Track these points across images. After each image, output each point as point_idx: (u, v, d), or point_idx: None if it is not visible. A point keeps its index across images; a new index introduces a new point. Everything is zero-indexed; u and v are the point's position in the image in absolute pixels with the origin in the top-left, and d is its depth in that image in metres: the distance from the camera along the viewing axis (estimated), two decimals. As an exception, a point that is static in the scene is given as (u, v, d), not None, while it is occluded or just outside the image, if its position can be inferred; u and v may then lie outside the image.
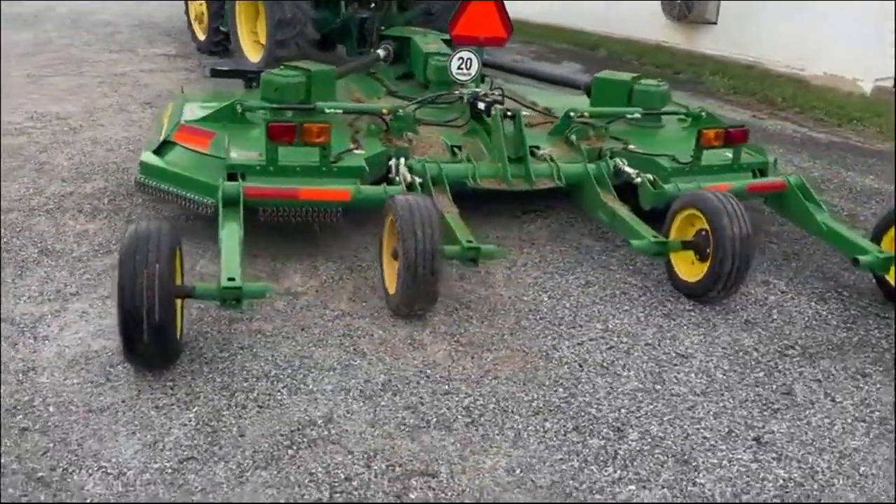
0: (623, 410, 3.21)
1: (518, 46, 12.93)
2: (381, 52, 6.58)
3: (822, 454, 3.03)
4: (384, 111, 4.95)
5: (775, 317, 4.14)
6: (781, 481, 2.85)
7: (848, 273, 4.68)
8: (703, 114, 5.60)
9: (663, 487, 2.77)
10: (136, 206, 4.96)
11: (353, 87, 6.26)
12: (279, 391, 3.17)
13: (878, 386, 3.55)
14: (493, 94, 5.41)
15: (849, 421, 3.26)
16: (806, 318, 4.15)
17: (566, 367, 3.51)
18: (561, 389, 3.33)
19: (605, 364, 3.55)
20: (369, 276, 4.21)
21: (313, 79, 5.06)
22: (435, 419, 3.07)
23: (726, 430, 3.13)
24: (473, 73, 5.42)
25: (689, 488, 2.78)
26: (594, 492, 2.73)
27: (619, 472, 2.84)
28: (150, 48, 10.42)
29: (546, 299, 4.12)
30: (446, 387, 3.29)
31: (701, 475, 2.85)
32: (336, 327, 3.69)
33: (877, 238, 4.45)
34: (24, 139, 6.25)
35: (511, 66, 7.32)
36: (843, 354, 3.81)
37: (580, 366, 3.53)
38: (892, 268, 4.29)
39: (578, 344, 3.71)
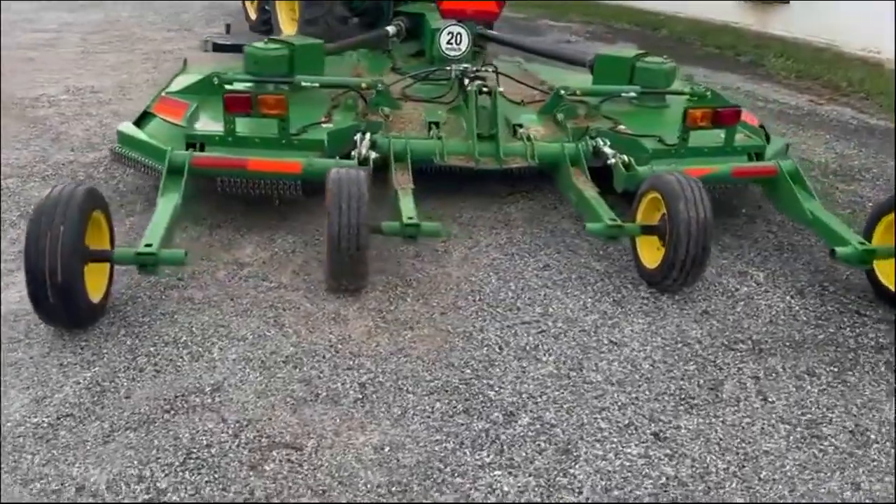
0: (524, 395, 3.09)
1: (577, 26, 12.64)
2: (390, 29, 6.53)
3: (725, 454, 2.82)
4: (363, 86, 4.92)
5: (738, 309, 3.89)
6: (664, 480, 2.67)
7: (843, 268, 4.33)
8: (707, 93, 5.30)
9: (530, 475, 2.65)
10: (127, 174, 5.12)
11: (361, 62, 6.26)
12: (181, 357, 3.21)
13: (823, 387, 3.28)
14: (485, 70, 5.29)
15: (772, 422, 3.03)
16: (772, 313, 3.87)
17: (485, 349, 3.40)
18: (468, 371, 3.23)
19: (527, 348, 3.42)
20: (323, 250, 4.20)
21: (296, 52, 5.07)
22: (325, 394, 3.04)
23: (626, 422, 2.96)
24: (464, 49, 5.31)
25: (557, 479, 2.64)
26: (456, 475, 2.64)
27: (491, 456, 2.73)
28: (207, 28, 10.74)
29: (494, 281, 4.01)
30: (350, 362, 3.24)
31: (577, 466, 2.71)
32: (266, 299, 3.71)
33: (868, 230, 4.12)
34: (52, 111, 6.57)
35: (514, 41, 7.10)
36: (797, 352, 3.54)
37: (500, 348, 3.41)
38: (876, 263, 3.95)
39: (508, 327, 3.59)
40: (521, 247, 4.42)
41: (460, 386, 3.13)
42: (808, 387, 3.27)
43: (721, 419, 3.03)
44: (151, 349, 3.26)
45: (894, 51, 9.00)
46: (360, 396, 3.04)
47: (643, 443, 2.85)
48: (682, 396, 3.15)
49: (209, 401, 2.96)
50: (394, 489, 2.56)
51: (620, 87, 5.24)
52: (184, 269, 3.78)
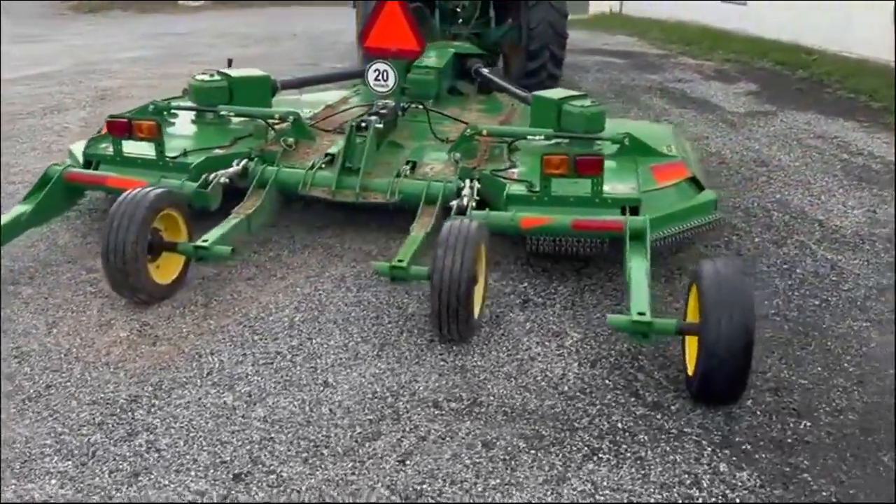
0: (170, 419, 3.18)
1: (713, 64, 11.82)
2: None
3: None
4: (276, 117, 5.21)
5: (504, 369, 3.61)
6: None
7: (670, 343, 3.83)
8: (624, 140, 4.88)
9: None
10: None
11: (357, 93, 6.55)
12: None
13: (474, 457, 2.98)
14: (415, 107, 5.40)
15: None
16: (534, 379, 3.54)
17: (194, 369, 3.53)
18: (149, 387, 3.38)
19: (229, 374, 3.49)
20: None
21: (234, 84, 5.50)
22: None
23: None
24: (391, 85, 5.39)
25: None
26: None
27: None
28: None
29: (287, 311, 4.09)
30: (61, 364, 3.54)
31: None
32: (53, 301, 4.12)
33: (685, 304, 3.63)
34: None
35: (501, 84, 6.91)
36: (511, 422, 3.23)
37: (208, 372, 3.52)
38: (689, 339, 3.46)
39: (244, 354, 3.67)
40: (357, 281, 4.43)
41: (123, 402, 3.29)
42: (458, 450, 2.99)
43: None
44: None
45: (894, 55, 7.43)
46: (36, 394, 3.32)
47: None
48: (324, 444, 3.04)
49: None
50: None
51: (526, 130, 5.06)
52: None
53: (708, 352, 3.13)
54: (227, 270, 4.51)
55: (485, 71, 6.88)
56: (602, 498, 2.79)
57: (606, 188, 4.38)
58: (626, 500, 2.78)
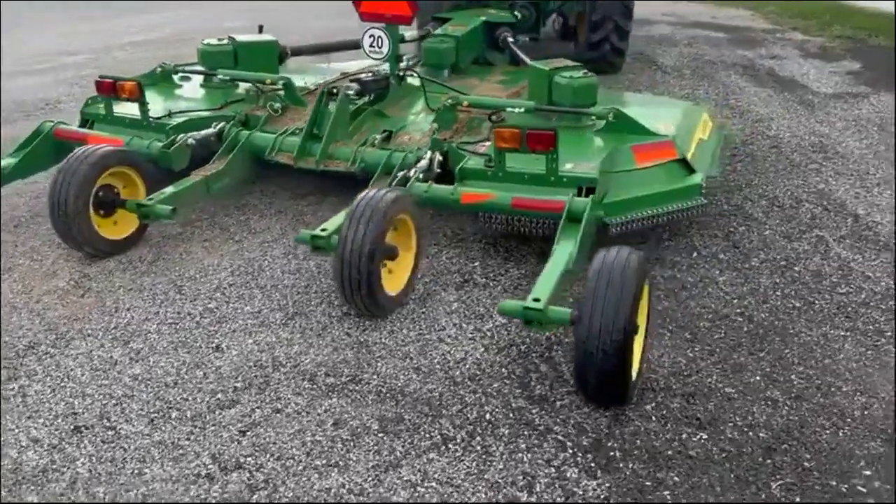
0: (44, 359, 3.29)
1: (821, 41, 10.78)
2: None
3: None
4: (267, 81, 5.23)
5: (408, 348, 3.47)
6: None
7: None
8: (609, 116, 4.52)
9: None
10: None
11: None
12: None
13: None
14: (410, 74, 5.29)
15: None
16: (437, 362, 3.38)
17: (99, 319, 3.63)
18: (62, 327, 3.51)
19: (125, 326, 3.56)
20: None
21: (239, 49, 5.57)
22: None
23: (77, 411, 3.00)
24: (386, 52, 5.27)
25: None
26: None
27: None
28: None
29: (225, 273, 4.12)
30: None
31: None
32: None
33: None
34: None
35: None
36: (357, 399, 3.10)
37: (109, 316, 3.61)
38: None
39: (157, 312, 3.73)
40: (307, 249, 4.38)
41: (21, 348, 3.43)
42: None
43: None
44: None
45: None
46: (-45, 335, 3.52)
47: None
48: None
49: None
50: None
51: (506, 102, 4.80)
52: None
53: (579, 347, 2.85)
54: (189, 230, 4.59)
55: (511, 40, 6.57)
56: (422, 490, 2.62)
57: (568, 166, 4.07)
58: (441, 495, 2.59)
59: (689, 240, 4.58)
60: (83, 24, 12.79)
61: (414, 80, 5.46)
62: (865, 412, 3.10)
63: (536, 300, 3.08)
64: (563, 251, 3.50)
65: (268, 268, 4.16)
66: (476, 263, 4.25)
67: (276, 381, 3.20)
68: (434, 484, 2.65)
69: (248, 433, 2.89)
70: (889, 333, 3.67)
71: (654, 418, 3.02)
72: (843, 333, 3.67)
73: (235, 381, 3.20)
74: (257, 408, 3.04)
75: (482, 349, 3.46)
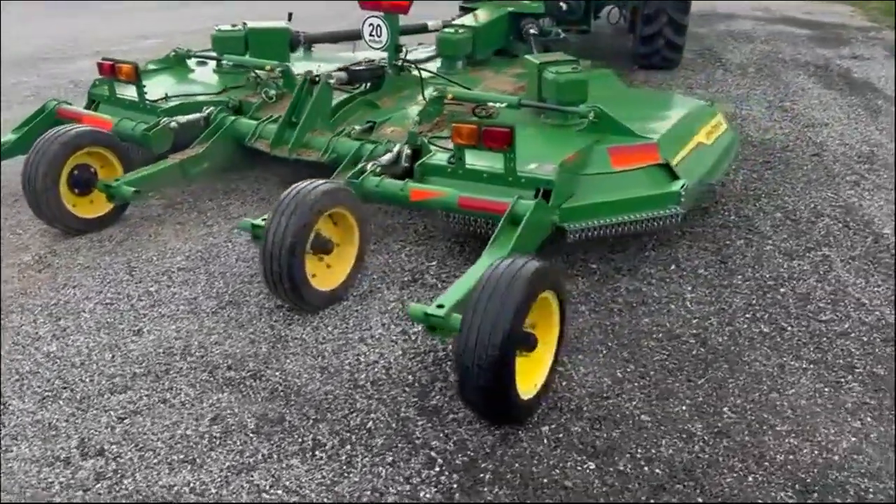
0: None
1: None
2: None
3: None
4: (266, 67, 5.25)
5: (328, 347, 3.40)
6: None
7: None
8: (590, 115, 4.26)
9: None
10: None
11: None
12: None
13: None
14: (409, 66, 5.20)
15: (76, 437, 2.82)
16: (358, 364, 3.29)
17: (64, 294, 3.73)
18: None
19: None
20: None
21: (249, 35, 5.62)
22: None
23: None
24: (384, 41, 5.18)
25: None
26: None
27: None
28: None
29: (180, 256, 4.16)
30: (-43, 279, 3.92)
31: None
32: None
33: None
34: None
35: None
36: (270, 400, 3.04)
37: (74, 287, 3.70)
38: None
39: (119, 281, 3.81)
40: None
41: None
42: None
43: (46, 416, 2.93)
44: None
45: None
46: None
47: None
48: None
49: None
50: None
51: (489, 96, 4.62)
52: None
53: (456, 360, 2.68)
54: (168, 212, 4.67)
55: (533, 32, 6.32)
56: (266, 497, 2.54)
57: (532, 166, 3.86)
58: (288, 502, 2.50)
59: (673, 251, 4.28)
60: (157, 13, 13.27)
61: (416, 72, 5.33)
62: (790, 457, 2.78)
63: (440, 307, 2.93)
64: (491, 257, 3.31)
65: (224, 255, 4.17)
66: (434, 263, 4.11)
67: (176, 371, 3.19)
68: (280, 491, 2.56)
69: (126, 421, 2.89)
70: (860, 370, 3.29)
71: (546, 441, 2.82)
72: (804, 366, 3.31)
73: (138, 367, 3.20)
74: (146, 396, 3.03)
75: (399, 353, 3.33)
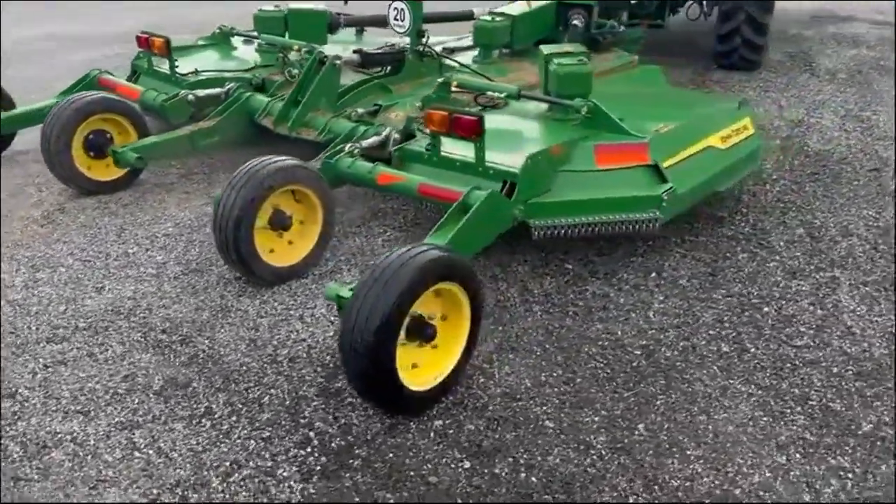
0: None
1: None
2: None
3: None
4: (295, 48, 5.37)
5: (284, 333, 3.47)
6: None
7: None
8: (583, 109, 4.10)
9: None
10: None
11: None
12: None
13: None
14: (428, 49, 5.19)
15: None
16: (273, 334, 3.35)
17: (63, 267, 4.00)
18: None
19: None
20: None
21: (289, 16, 5.77)
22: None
23: None
24: (408, 25, 5.17)
25: None
26: None
27: None
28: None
29: (171, 226, 4.34)
30: (-31, 227, 4.27)
31: None
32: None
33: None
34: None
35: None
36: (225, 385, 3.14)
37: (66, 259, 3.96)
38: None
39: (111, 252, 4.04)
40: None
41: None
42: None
43: None
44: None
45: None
46: (-77, 244, 4.08)
47: None
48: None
49: None
50: None
51: (492, 85, 4.53)
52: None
53: (339, 342, 2.67)
54: (182, 181, 4.87)
55: (575, 23, 6.09)
56: (135, 454, 2.63)
57: (503, 157, 3.76)
58: (146, 463, 2.57)
59: (662, 259, 4.05)
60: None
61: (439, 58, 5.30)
62: (686, 484, 2.59)
63: (351, 289, 2.91)
64: (439, 233, 3.26)
65: (207, 224, 4.29)
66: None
67: (115, 329, 3.34)
68: (151, 451, 2.64)
69: (49, 369, 3.06)
70: (813, 402, 3.01)
71: (432, 436, 2.76)
72: (750, 391, 3.06)
73: (83, 322, 3.38)
74: (77, 348, 3.20)
75: (330, 334, 3.34)
